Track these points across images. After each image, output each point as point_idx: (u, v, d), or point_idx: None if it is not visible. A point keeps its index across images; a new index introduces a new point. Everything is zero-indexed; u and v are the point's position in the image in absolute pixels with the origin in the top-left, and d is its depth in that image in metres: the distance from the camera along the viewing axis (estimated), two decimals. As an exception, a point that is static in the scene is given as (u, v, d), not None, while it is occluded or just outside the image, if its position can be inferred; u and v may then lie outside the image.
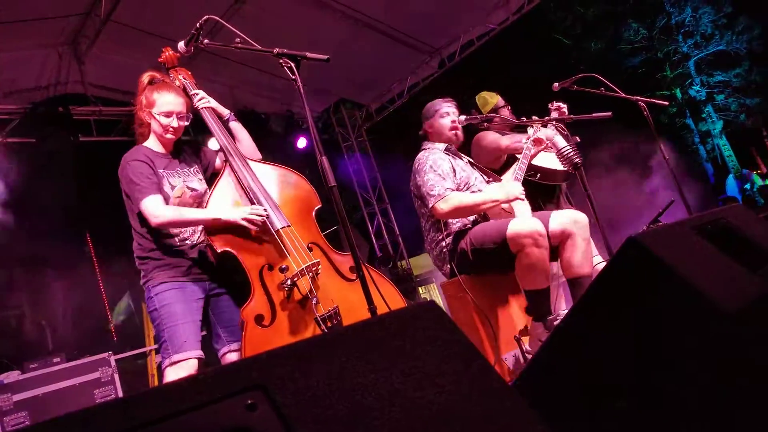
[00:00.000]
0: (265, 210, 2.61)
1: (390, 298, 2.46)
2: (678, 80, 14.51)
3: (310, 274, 2.58)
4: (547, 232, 3.03)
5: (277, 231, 2.61)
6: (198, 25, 2.49)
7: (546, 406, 1.45)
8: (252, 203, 2.67)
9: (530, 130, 3.51)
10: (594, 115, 3.27)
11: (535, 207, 3.63)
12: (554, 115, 3.69)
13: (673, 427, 1.30)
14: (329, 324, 2.52)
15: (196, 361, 2.54)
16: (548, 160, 3.75)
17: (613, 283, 1.33)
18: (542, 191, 3.87)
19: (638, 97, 3.70)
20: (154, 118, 2.69)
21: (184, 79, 2.93)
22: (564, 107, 3.72)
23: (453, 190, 3.23)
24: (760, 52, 13.82)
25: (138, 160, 2.64)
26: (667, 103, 3.83)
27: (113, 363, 5.54)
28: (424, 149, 3.51)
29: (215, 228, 2.60)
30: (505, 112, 4.03)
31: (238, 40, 2.30)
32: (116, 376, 5.52)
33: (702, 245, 1.40)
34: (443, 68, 8.04)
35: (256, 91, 7.67)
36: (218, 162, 2.97)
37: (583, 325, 1.37)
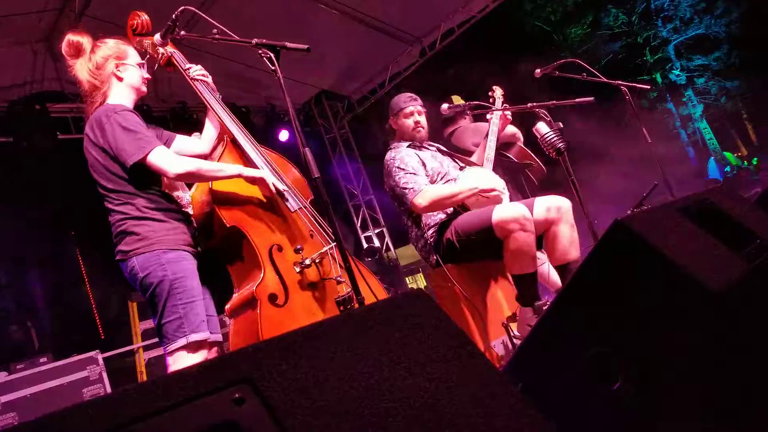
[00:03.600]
0: (285, 187, 2.49)
1: (375, 290, 2.45)
2: (658, 65, 14.61)
3: (328, 257, 2.50)
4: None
5: (297, 211, 2.53)
6: (174, 16, 2.41)
7: (537, 390, 1.46)
8: (260, 185, 2.52)
9: (496, 114, 3.51)
10: (576, 100, 3.27)
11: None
12: (499, 98, 3.72)
13: (663, 405, 1.31)
14: (345, 306, 2.39)
15: (208, 346, 2.28)
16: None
17: (600, 266, 1.33)
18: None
19: (620, 82, 3.71)
20: (132, 67, 2.45)
21: (171, 48, 2.69)
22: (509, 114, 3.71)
23: (427, 184, 3.23)
24: (739, 35, 13.94)
25: (126, 109, 2.33)
26: (648, 86, 3.85)
27: (101, 361, 5.50)
28: (390, 149, 3.51)
29: (228, 200, 2.42)
30: (466, 120, 4.05)
31: (215, 31, 2.26)
32: (104, 375, 5.47)
33: (687, 227, 1.41)
34: (424, 57, 8.02)
35: (236, 84, 7.59)
36: (197, 144, 2.74)
37: (572, 309, 1.37)
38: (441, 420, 0.66)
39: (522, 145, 3.85)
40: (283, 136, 8.18)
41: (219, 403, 0.59)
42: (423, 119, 3.53)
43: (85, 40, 2.45)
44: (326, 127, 9.16)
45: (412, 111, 3.51)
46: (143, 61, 2.54)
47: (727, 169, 11.15)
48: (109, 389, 5.40)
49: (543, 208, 3.08)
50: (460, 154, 3.70)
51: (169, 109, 7.45)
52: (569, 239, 3.04)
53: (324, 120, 9.14)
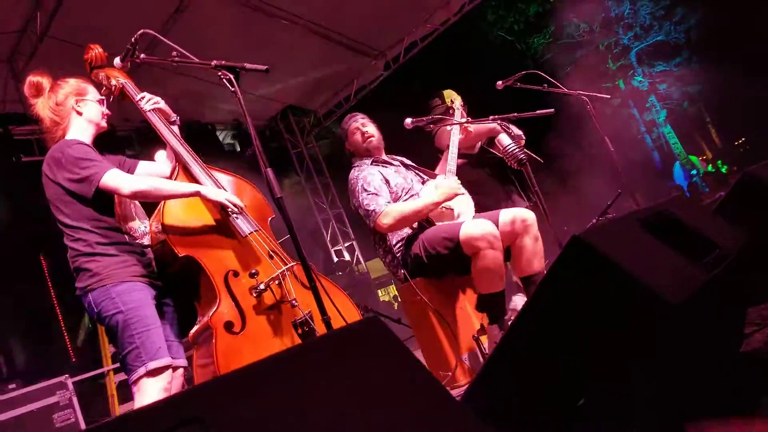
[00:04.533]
0: (240, 206, 2.49)
1: (343, 308, 2.42)
2: (621, 71, 14.92)
3: (283, 279, 2.49)
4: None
5: (248, 235, 2.50)
6: (133, 40, 2.39)
7: (504, 408, 1.45)
8: (212, 211, 2.53)
9: (455, 120, 3.53)
10: (537, 112, 3.31)
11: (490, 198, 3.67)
12: (458, 109, 3.76)
13: (629, 417, 1.31)
14: (303, 329, 2.39)
15: (170, 370, 2.30)
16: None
17: (560, 281, 1.33)
18: (496, 183, 3.92)
19: (580, 92, 3.76)
20: (91, 103, 2.51)
21: (123, 80, 2.70)
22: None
23: (389, 203, 3.23)
24: (698, 40, 14.33)
25: (79, 143, 2.40)
26: (609, 96, 3.92)
27: (71, 386, 5.36)
28: (354, 167, 3.51)
29: (179, 230, 2.42)
30: (462, 111, 4.06)
31: (175, 54, 2.24)
32: (74, 399, 5.33)
33: (646, 239, 1.42)
34: (389, 70, 8.06)
35: (201, 101, 7.54)
36: (160, 168, 2.75)
37: (534, 325, 1.37)
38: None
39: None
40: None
41: None
42: (370, 128, 3.54)
43: (45, 80, 2.51)
44: (293, 141, 9.13)
45: (356, 126, 3.54)
46: (103, 97, 2.58)
47: (693, 172, 11.41)
48: (79, 414, 5.28)
49: (508, 220, 3.10)
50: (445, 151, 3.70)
51: (134, 128, 7.35)
52: (533, 251, 3.06)
53: (290, 135, 9.11)
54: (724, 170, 11.46)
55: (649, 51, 14.89)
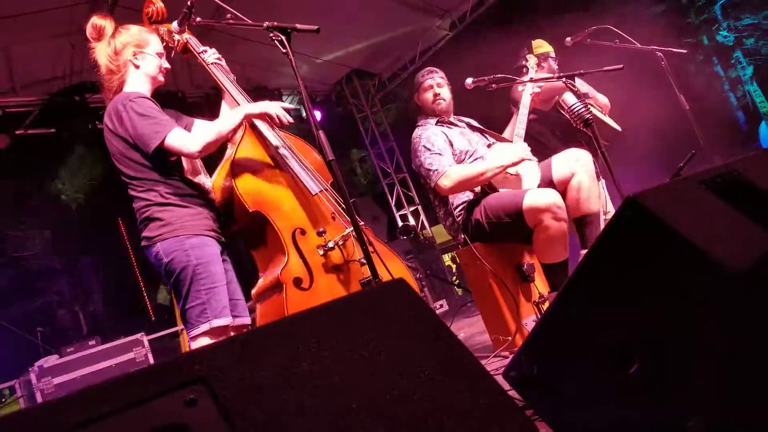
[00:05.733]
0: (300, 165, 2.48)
1: (397, 272, 2.43)
2: (704, 26, 13.95)
3: (351, 238, 2.50)
4: (553, 180, 2.96)
5: (319, 193, 2.53)
6: (189, 2, 2.43)
7: (555, 371, 1.42)
8: (281, 169, 2.53)
9: (528, 85, 3.41)
10: (605, 68, 3.14)
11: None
12: (532, 68, 3.60)
13: (683, 390, 1.25)
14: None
15: (229, 331, 2.30)
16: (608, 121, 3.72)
17: (612, 245, 1.27)
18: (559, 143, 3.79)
19: (654, 47, 3.55)
20: (150, 56, 2.47)
21: (187, 35, 2.68)
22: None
23: (453, 164, 3.17)
24: (791, -10, 13.19)
25: (143, 96, 2.36)
26: (684, 50, 3.67)
27: (146, 343, 5.70)
28: (417, 126, 3.46)
29: (249, 185, 2.42)
30: (555, 64, 3.92)
31: (229, 16, 2.25)
32: (150, 356, 5.67)
33: (709, 201, 1.33)
34: (455, 30, 7.86)
35: (267, 67, 7.61)
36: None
37: (585, 290, 1.32)
38: (411, 417, 0.63)
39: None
40: (317, 117, 8.20)
41: (169, 406, 0.58)
42: (444, 91, 3.47)
43: (108, 24, 2.47)
44: (358, 106, 9.12)
45: (431, 84, 3.47)
46: (163, 51, 2.54)
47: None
48: (155, 369, 5.59)
49: (561, 164, 3.01)
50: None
51: (203, 94, 7.53)
52: (588, 190, 2.96)
53: (356, 99, 9.10)
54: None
55: (735, 3, 13.81)
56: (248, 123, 2.60)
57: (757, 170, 1.58)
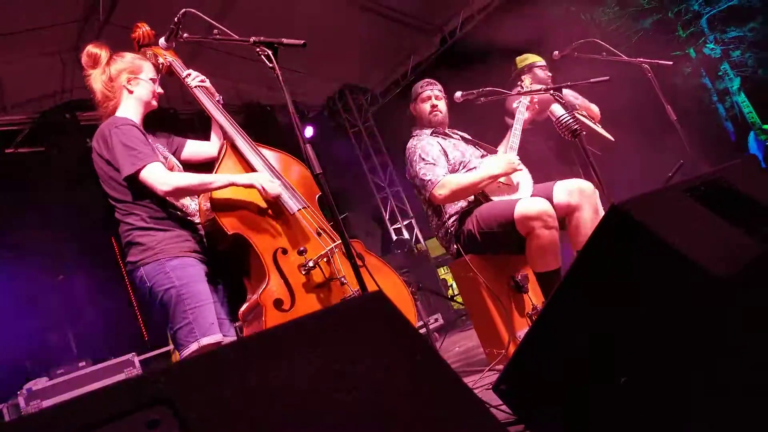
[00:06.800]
0: (281, 185, 2.49)
1: (390, 285, 2.41)
2: (691, 39, 14.12)
3: (332, 256, 2.50)
4: (553, 204, 2.96)
5: (297, 212, 2.52)
6: (176, 19, 2.45)
7: (544, 381, 1.41)
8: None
9: (523, 99, 3.44)
10: (592, 80, 3.17)
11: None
12: (527, 88, 3.62)
13: (670, 399, 1.24)
14: None
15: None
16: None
17: (599, 253, 1.27)
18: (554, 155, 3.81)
19: (641, 59, 3.58)
20: (143, 82, 2.53)
21: (171, 58, 2.73)
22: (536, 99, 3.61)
23: (447, 174, 3.18)
24: (776, 2, 13.38)
25: (129, 124, 2.40)
26: (670, 63, 3.70)
27: (137, 363, 5.63)
28: (412, 136, 3.48)
29: (227, 207, 2.44)
30: (543, 73, 3.93)
31: (215, 31, 2.26)
32: (142, 377, 5.59)
33: (694, 208, 1.33)
34: (445, 45, 7.92)
35: (260, 83, 7.64)
36: (208, 147, 2.79)
37: (572, 298, 1.31)
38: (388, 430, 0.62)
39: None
40: (308, 132, 8.22)
41: (129, 428, 0.56)
42: (441, 104, 3.50)
43: (103, 53, 2.54)
44: (351, 120, 9.14)
45: (429, 95, 3.49)
46: (156, 77, 2.61)
47: (769, 143, 10.71)
48: (147, 390, 5.52)
49: (564, 193, 3.00)
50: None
51: (196, 111, 7.54)
52: (591, 222, 2.95)
53: (348, 114, 9.12)
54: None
55: (721, 16, 13.99)
56: (228, 143, 2.63)
57: (741, 177, 1.59)
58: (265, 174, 2.51)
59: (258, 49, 2.08)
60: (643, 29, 14.25)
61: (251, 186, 2.44)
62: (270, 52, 2.06)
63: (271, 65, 2.03)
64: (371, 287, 2.07)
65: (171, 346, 6.51)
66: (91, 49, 2.54)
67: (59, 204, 7.86)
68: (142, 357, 5.84)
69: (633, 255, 1.20)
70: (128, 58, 2.56)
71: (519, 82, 3.67)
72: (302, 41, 2.04)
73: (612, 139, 3.89)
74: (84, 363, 5.44)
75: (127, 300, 7.77)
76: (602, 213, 3.08)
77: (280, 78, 2.02)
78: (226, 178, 2.43)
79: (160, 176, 2.32)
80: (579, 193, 2.99)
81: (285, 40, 2.05)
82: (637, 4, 14.22)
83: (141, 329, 7.88)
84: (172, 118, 7.09)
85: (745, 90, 13.83)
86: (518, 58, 4.09)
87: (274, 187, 2.47)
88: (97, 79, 2.53)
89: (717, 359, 1.08)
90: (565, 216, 3.03)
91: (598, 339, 1.29)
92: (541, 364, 1.40)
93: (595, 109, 3.99)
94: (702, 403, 1.20)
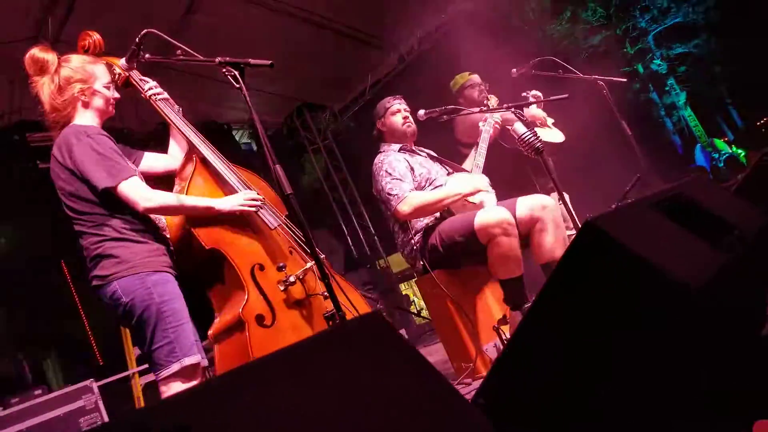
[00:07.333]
0: (261, 198, 2.42)
1: (357, 305, 2.41)
2: (639, 55, 14.67)
3: (310, 272, 2.46)
4: (516, 220, 3.01)
5: (276, 228, 2.48)
6: (137, 40, 2.39)
7: (518, 401, 1.42)
8: None
9: (489, 121, 3.51)
10: (551, 98, 3.25)
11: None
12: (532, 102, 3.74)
13: (650, 407, 1.27)
14: (335, 321, 2.27)
15: (201, 371, 2.20)
16: (548, 135, 3.81)
17: (573, 268, 1.29)
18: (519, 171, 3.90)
19: (596, 76, 3.69)
20: (98, 92, 2.35)
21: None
22: (539, 94, 3.76)
23: (413, 190, 3.20)
24: (717, 21, 14.01)
25: (101, 134, 2.23)
26: (624, 79, 3.84)
27: (96, 389, 5.43)
28: (380, 152, 3.49)
29: (204, 221, 2.34)
30: (474, 92, 4.01)
31: (179, 51, 2.23)
32: (100, 403, 5.40)
33: (661, 222, 1.38)
34: (403, 63, 8.01)
35: (218, 102, 7.57)
36: (166, 160, 2.68)
37: (548, 315, 1.33)
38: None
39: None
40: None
41: None
42: (410, 117, 3.52)
43: (51, 57, 2.32)
44: (309, 138, 9.12)
45: (399, 108, 3.52)
46: (111, 80, 2.44)
47: (715, 155, 11.16)
48: (106, 418, 5.34)
49: (526, 208, 3.06)
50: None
51: (150, 131, 7.40)
52: (554, 236, 3.01)
53: (307, 132, 9.10)
54: (741, 154, 11.23)
55: (667, 33, 14.61)
56: (199, 158, 2.54)
57: (700, 191, 1.65)
58: (244, 191, 2.44)
59: (225, 70, 2.06)
60: (593, 46, 14.75)
61: (233, 213, 2.37)
62: (236, 73, 2.04)
63: (238, 86, 2.02)
64: (343, 305, 2.06)
65: (131, 371, 6.31)
66: (37, 53, 2.32)
67: (7, 228, 7.58)
68: (101, 383, 5.64)
69: (608, 270, 1.23)
70: (77, 64, 2.36)
71: (485, 101, 3.74)
72: (270, 62, 2.03)
73: (563, 138, 4.00)
74: (39, 391, 5.24)
75: (81, 325, 7.53)
76: (563, 227, 3.15)
77: (247, 98, 2.01)
78: (206, 202, 2.35)
79: (142, 192, 2.20)
80: (541, 208, 3.05)
81: (252, 61, 2.04)
82: (586, 21, 14.72)
83: (95, 354, 7.64)
84: (126, 138, 6.94)
85: (690, 104, 14.44)
86: (453, 81, 4.19)
87: (253, 194, 2.41)
88: (45, 89, 2.32)
89: (693, 370, 1.12)
90: (528, 231, 3.08)
91: (574, 354, 1.31)
92: (517, 379, 1.41)
93: (539, 113, 4.09)
94: (680, 415, 1.23)
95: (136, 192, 2.19)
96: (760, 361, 1.44)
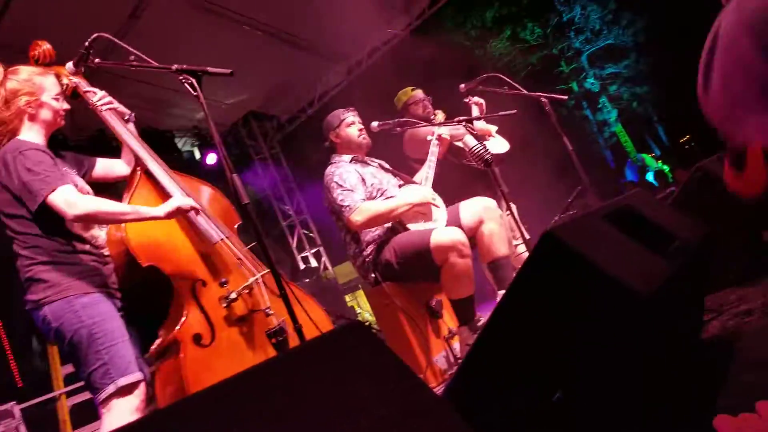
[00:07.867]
0: (197, 207, 2.36)
1: (315, 315, 2.40)
2: (574, 74, 15.30)
3: (256, 287, 2.42)
4: (461, 224, 3.10)
5: (219, 242, 2.43)
6: (87, 43, 2.33)
7: (481, 408, 1.46)
8: (178, 218, 2.39)
9: (436, 133, 3.58)
10: (500, 113, 3.35)
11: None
12: (475, 109, 3.84)
13: (604, 411, 1.33)
14: (278, 339, 2.29)
15: (143, 385, 2.15)
16: (495, 146, 3.92)
17: (533, 278, 1.35)
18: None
19: (540, 93, 3.83)
20: (45, 104, 2.31)
21: (76, 79, 2.54)
22: (482, 101, 3.88)
23: (364, 200, 3.23)
24: (645, 43, 14.81)
25: (35, 148, 2.19)
26: (566, 97, 3.99)
27: (18, 414, 5.11)
28: (331, 163, 3.50)
29: (141, 236, 2.28)
30: (418, 108, 4.09)
31: (132, 57, 2.19)
32: (22, 428, 5.09)
33: (612, 233, 1.45)
34: (351, 75, 8.05)
35: (159, 108, 7.38)
36: (119, 166, 2.65)
37: (509, 321, 1.38)
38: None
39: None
40: (211, 159, 8.01)
41: None
42: (364, 129, 3.55)
43: None
44: (256, 148, 9.02)
45: (353, 120, 3.53)
46: (60, 92, 2.39)
47: (646, 170, 11.72)
48: (28, 443, 5.05)
49: (469, 212, 3.17)
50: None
51: (87, 137, 7.15)
52: (498, 235, 3.12)
53: (253, 141, 9.00)
54: (666, 169, 11.87)
55: (599, 54, 15.35)
56: (142, 170, 2.50)
57: (644, 204, 1.75)
58: (180, 197, 2.38)
59: (181, 77, 2.03)
60: (531, 64, 15.26)
61: (172, 217, 2.32)
62: (194, 80, 2.03)
63: (195, 93, 2.00)
64: (300, 318, 2.05)
65: (57, 392, 6.00)
66: None
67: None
68: (24, 405, 5.30)
69: (566, 278, 1.29)
70: (25, 76, 2.32)
71: (432, 116, 3.82)
72: (229, 70, 2.02)
73: (508, 146, 4.12)
74: (-43, 417, 4.91)
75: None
76: (507, 226, 3.27)
77: (205, 107, 1.99)
78: (143, 212, 2.27)
79: (70, 199, 2.12)
80: (483, 209, 3.17)
81: (210, 69, 2.03)
82: (524, 41, 15.22)
83: (14, 376, 7.24)
84: (62, 145, 6.67)
85: (621, 121, 15.17)
86: (395, 99, 4.27)
87: (190, 201, 2.36)
88: None
89: (644, 372, 1.18)
90: (474, 232, 3.19)
91: (533, 359, 1.36)
92: (478, 383, 1.45)
93: (487, 128, 4.21)
94: (636, 417, 1.30)
95: (65, 200, 2.12)
96: (702, 362, 1.53)
